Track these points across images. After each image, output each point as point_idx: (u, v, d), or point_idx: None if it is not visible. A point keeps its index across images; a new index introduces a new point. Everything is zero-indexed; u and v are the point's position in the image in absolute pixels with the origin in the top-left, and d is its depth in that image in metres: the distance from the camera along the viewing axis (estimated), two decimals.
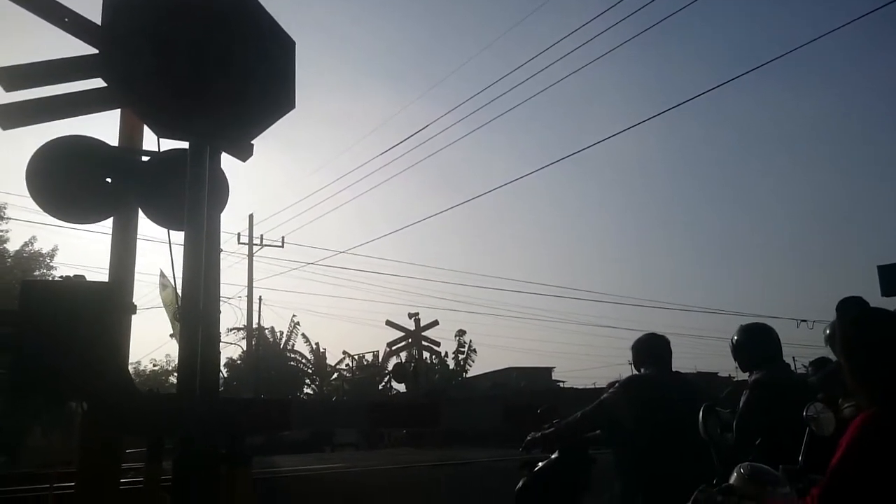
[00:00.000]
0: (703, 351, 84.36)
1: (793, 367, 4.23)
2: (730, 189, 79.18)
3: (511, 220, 75.97)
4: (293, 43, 2.98)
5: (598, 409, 3.90)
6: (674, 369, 4.14)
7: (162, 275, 6.41)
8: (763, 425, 3.08)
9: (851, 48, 75.33)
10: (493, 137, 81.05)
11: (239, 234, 29.25)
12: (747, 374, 3.60)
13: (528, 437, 4.32)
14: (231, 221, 39.50)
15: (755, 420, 3.19)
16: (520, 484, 4.34)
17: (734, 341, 3.60)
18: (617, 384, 3.93)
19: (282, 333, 40.47)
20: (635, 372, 4.17)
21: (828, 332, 3.88)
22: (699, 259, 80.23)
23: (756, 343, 3.55)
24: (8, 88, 2.81)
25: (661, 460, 3.61)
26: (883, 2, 7.80)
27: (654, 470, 3.67)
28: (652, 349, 4.07)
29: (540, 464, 4.29)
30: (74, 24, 2.88)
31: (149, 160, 3.59)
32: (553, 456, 4.23)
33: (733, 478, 2.33)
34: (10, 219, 24.56)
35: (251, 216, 29.80)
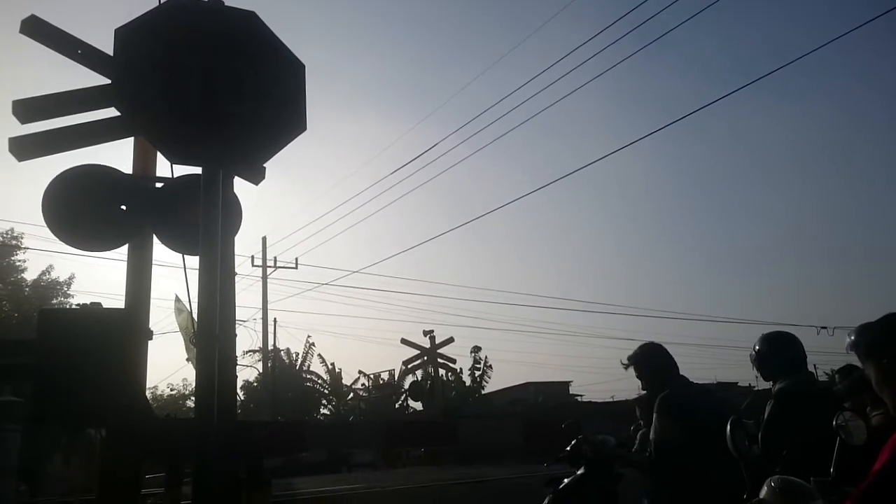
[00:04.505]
0: (719, 361, 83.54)
1: (816, 376, 4.15)
2: (738, 199, 78.35)
3: (520, 236, 75.82)
4: (303, 66, 3.00)
5: (662, 452, 3.72)
6: (693, 380, 4.06)
7: (177, 299, 6.43)
8: (789, 436, 3.01)
9: (850, 55, 75.04)
10: (500, 155, 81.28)
11: (252, 257, 29.39)
12: (770, 383, 3.52)
13: (560, 455, 4.31)
14: (244, 244, 39.88)
15: (781, 431, 3.13)
16: (546, 501, 4.30)
17: (756, 350, 3.53)
18: (655, 415, 3.78)
19: (297, 354, 40.48)
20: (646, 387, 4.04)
21: (851, 338, 3.80)
22: (711, 269, 79.43)
23: (780, 352, 3.47)
24: (24, 120, 2.85)
25: (692, 475, 3.55)
26: (881, 10, 7.74)
27: (685, 484, 3.60)
28: (666, 364, 3.94)
29: (566, 480, 4.25)
30: (87, 55, 2.93)
31: (162, 186, 3.62)
32: (579, 472, 4.18)
33: (764, 492, 2.28)
34: (27, 248, 24.86)
35: (264, 239, 29.94)
